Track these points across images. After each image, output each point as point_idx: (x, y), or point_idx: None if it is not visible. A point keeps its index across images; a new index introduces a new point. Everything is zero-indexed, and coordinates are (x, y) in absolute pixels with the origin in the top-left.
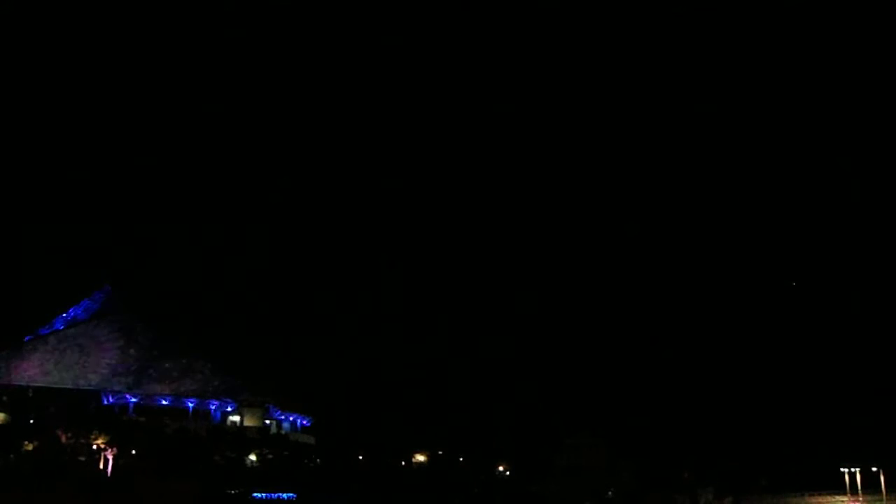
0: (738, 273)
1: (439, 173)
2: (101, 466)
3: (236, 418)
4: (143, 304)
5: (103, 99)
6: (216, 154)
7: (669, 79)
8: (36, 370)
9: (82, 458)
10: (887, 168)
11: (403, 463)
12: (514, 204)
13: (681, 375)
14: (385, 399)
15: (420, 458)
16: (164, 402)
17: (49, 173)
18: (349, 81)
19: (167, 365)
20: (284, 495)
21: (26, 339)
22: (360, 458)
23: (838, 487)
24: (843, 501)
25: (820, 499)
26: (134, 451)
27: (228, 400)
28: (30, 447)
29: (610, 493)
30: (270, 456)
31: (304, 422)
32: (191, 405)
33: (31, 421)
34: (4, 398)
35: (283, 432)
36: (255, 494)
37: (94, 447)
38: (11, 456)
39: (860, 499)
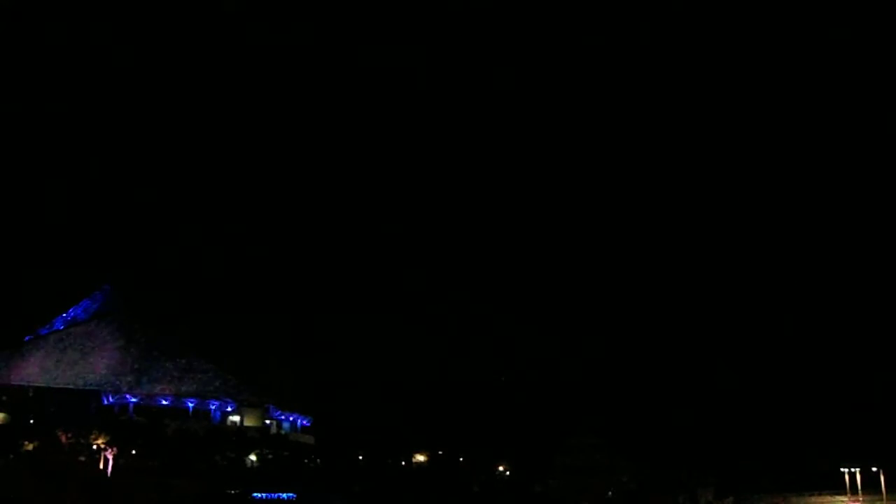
0: (739, 273)
1: (439, 173)
2: (101, 466)
3: (236, 418)
4: (143, 304)
5: (103, 99)
6: (217, 154)
7: (669, 79)
8: (36, 370)
9: (82, 458)
10: (887, 168)
11: (403, 463)
12: (515, 202)
13: (681, 376)
14: (385, 399)
15: (420, 458)
16: (164, 402)
17: (49, 173)
18: (349, 81)
19: (167, 365)
20: (284, 495)
21: (26, 339)
22: (360, 458)
23: (838, 487)
24: (843, 501)
25: (820, 499)
26: (134, 451)
27: (228, 400)
28: (30, 447)
29: (610, 493)
30: (270, 456)
31: (304, 422)
32: (191, 405)
33: (31, 421)
34: (4, 398)
35: (283, 432)
36: (255, 494)
37: (94, 447)
38: (11, 456)
39: (860, 499)
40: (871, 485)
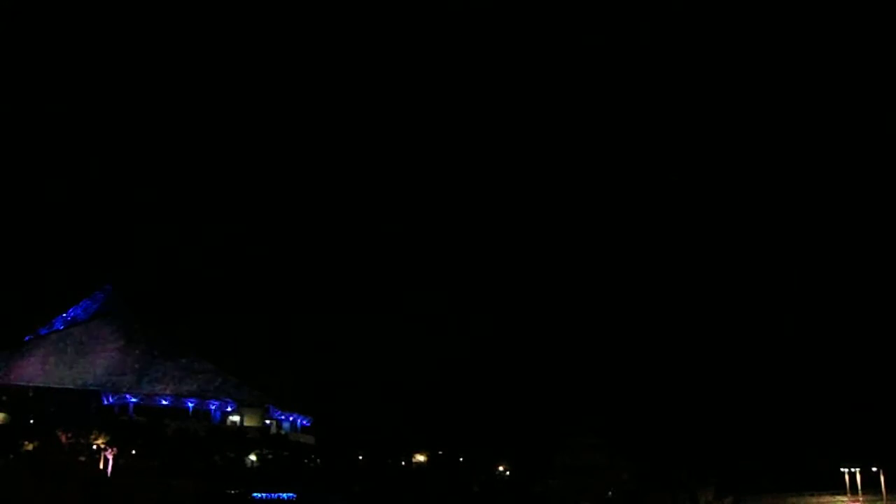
0: (739, 273)
1: (438, 173)
2: (101, 466)
3: (236, 418)
4: (143, 304)
5: (103, 99)
6: (218, 154)
7: (669, 79)
8: (36, 370)
9: (82, 458)
10: (887, 168)
11: (403, 463)
12: (513, 202)
13: (681, 375)
14: (385, 399)
15: (420, 458)
16: (164, 403)
17: (49, 173)
18: (348, 82)
19: (167, 365)
20: (284, 495)
21: (26, 338)
22: (360, 458)
23: (838, 487)
24: (843, 501)
25: (820, 499)
26: (134, 451)
27: (228, 400)
28: (30, 447)
29: (610, 492)
30: (270, 456)
31: (304, 422)
32: (191, 405)
33: (31, 421)
34: (4, 398)
35: (283, 432)
36: (254, 494)
37: (94, 447)
38: (11, 456)
39: (860, 499)
40: (871, 485)
